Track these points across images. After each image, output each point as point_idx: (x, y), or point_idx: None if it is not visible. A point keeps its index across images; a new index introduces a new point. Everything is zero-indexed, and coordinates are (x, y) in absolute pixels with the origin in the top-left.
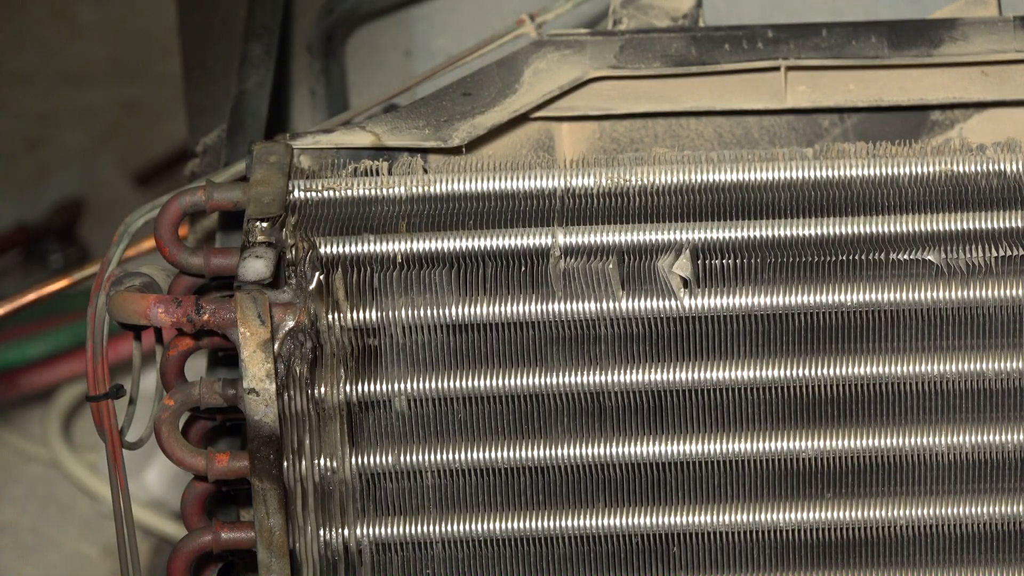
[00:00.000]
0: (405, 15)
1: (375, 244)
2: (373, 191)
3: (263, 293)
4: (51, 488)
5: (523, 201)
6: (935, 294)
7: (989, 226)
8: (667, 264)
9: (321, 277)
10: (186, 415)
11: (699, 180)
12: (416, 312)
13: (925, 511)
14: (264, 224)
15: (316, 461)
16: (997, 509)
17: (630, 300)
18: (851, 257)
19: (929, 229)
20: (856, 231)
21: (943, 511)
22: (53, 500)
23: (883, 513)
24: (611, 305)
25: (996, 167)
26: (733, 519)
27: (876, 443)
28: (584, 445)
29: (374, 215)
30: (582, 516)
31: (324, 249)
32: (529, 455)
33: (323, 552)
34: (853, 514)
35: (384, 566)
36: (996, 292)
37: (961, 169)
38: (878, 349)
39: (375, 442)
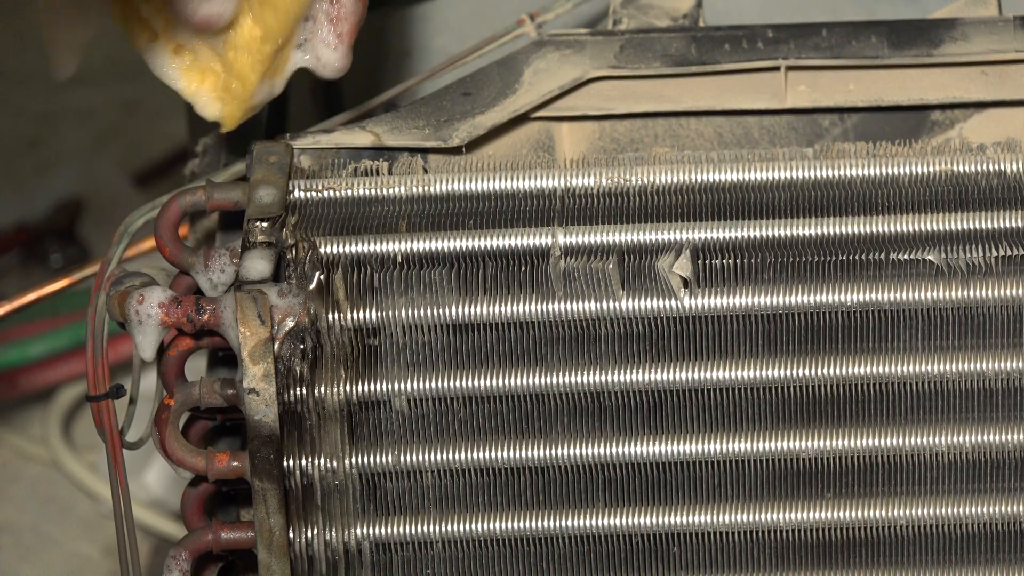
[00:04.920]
0: (405, 15)
1: (375, 244)
2: (373, 191)
3: (263, 293)
4: (51, 488)
5: (523, 201)
6: (935, 294)
7: (989, 226)
8: (667, 264)
9: (321, 277)
10: (186, 415)
11: (699, 180)
12: (416, 312)
13: (925, 511)
14: (264, 224)
15: (316, 461)
16: (997, 509)
17: (630, 300)
18: (851, 257)
19: (929, 229)
20: (856, 231)
21: (943, 511)
22: (53, 500)
23: (883, 513)
24: (611, 305)
25: (996, 167)
26: (733, 519)
27: (876, 443)
28: (584, 445)
29: (374, 215)
30: (582, 516)
31: (324, 249)
32: (529, 455)
33: (323, 552)
34: (853, 514)
35: (384, 566)
36: (996, 292)
37: (961, 169)
38: (878, 349)
39: (375, 442)
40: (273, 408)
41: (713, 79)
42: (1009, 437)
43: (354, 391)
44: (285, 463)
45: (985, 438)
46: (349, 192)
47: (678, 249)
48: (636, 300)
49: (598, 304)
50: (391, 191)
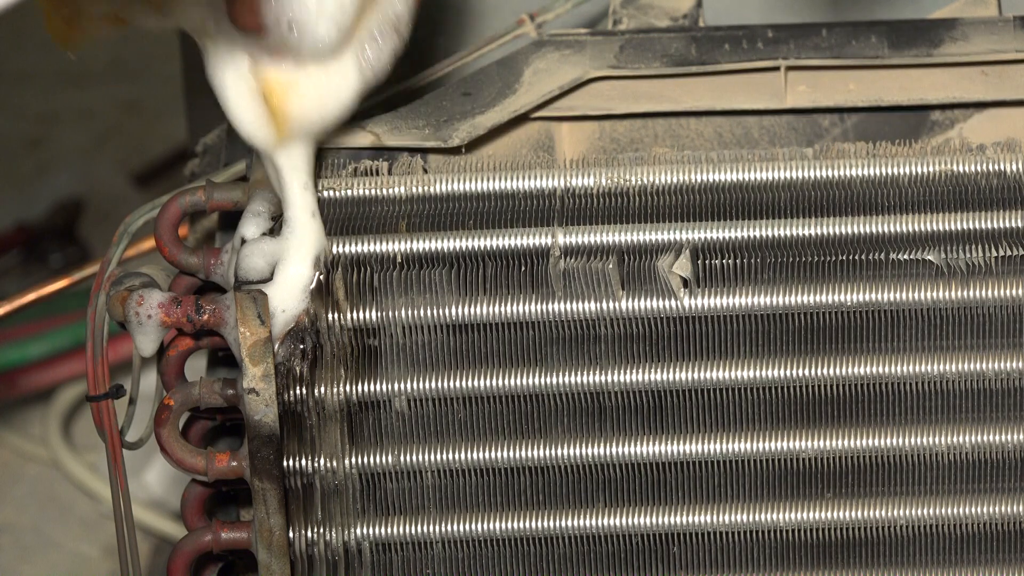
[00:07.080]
0: None
1: (375, 244)
2: (373, 191)
3: (263, 293)
4: (51, 488)
5: (523, 201)
6: (935, 294)
7: (989, 226)
8: (667, 264)
9: (321, 277)
10: (186, 415)
11: (699, 180)
12: (416, 312)
13: (925, 511)
14: None
15: (316, 461)
16: (997, 509)
17: (630, 300)
18: (851, 257)
19: (929, 229)
20: (856, 231)
21: (943, 511)
22: (53, 500)
23: (883, 513)
24: (611, 305)
25: (996, 167)
26: (733, 519)
27: (876, 443)
28: (584, 445)
29: (374, 215)
30: (582, 516)
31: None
32: (529, 455)
33: (323, 552)
34: (853, 514)
35: (384, 566)
36: (996, 292)
37: (961, 169)
38: (878, 349)
39: (375, 442)
40: (273, 408)
41: (713, 79)
42: (1009, 437)
43: (354, 391)
44: (285, 463)
45: (985, 438)
46: (349, 192)
47: (678, 249)
48: (636, 300)
49: (598, 304)
50: (391, 191)
